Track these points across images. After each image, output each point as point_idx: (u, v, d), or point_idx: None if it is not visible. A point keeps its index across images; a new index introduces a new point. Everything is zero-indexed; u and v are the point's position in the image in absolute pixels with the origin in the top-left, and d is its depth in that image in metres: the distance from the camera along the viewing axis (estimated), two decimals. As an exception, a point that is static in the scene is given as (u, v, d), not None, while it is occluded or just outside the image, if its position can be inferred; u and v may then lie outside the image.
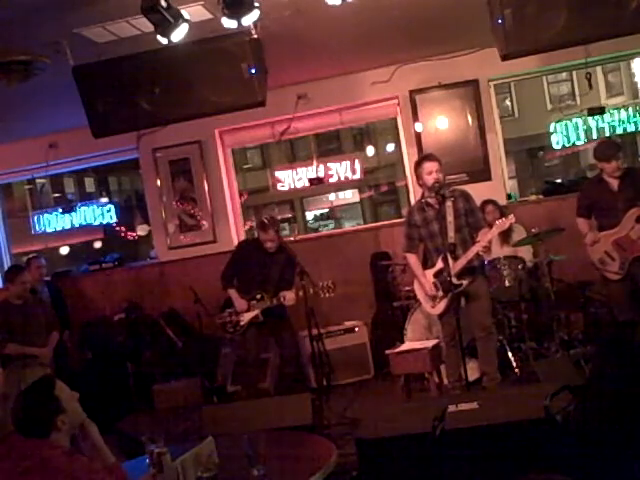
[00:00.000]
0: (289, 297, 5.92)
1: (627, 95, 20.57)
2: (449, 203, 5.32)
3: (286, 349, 6.17)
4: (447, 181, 5.67)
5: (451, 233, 5.29)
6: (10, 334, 5.98)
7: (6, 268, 7.41)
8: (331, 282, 5.80)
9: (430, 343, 5.60)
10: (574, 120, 9.04)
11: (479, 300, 5.40)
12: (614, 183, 5.55)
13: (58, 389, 2.70)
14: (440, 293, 5.40)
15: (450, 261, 5.18)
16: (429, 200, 5.38)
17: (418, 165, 5.46)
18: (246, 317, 6.04)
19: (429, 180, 5.35)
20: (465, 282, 5.24)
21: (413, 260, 5.61)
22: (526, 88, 19.92)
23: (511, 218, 5.28)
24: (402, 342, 6.00)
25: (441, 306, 5.43)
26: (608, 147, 5.77)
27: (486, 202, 6.62)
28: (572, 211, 7.03)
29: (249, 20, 4.35)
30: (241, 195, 9.07)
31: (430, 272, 5.48)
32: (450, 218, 5.30)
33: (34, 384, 2.78)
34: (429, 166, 5.36)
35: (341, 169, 7.77)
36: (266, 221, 6.08)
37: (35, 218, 8.60)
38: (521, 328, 6.13)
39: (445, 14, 5.64)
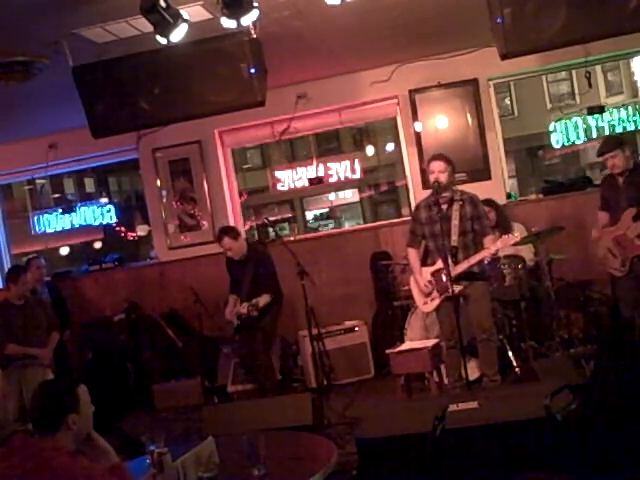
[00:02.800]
0: (226, 312, 6.26)
1: (627, 94, 20.56)
2: (456, 206, 5.34)
3: (256, 360, 6.26)
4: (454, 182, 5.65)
5: (454, 236, 5.31)
6: (10, 334, 5.99)
7: (6, 269, 7.42)
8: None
9: (430, 342, 5.60)
10: (574, 119, 9.06)
11: (478, 302, 5.41)
12: (620, 179, 5.53)
13: (81, 390, 2.72)
14: (434, 293, 5.44)
15: (450, 264, 5.19)
16: (435, 199, 5.38)
17: (427, 164, 5.56)
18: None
19: (430, 180, 5.40)
20: (460, 287, 5.25)
21: (412, 255, 5.65)
22: (526, 87, 19.92)
23: (517, 236, 5.30)
24: (402, 342, 6.01)
25: (433, 305, 5.49)
26: (604, 143, 5.76)
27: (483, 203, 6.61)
28: (572, 210, 7.06)
29: (248, 20, 4.34)
30: (241, 195, 9.07)
31: (428, 270, 5.51)
32: (455, 221, 5.32)
33: (59, 377, 2.80)
34: (431, 165, 5.43)
35: (341, 169, 7.76)
36: (218, 232, 6.30)
37: (35, 219, 8.59)
38: (521, 327, 6.13)
39: (444, 13, 5.64)
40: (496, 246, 5.24)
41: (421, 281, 5.51)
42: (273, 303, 6.21)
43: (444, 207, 5.35)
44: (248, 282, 6.18)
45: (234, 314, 6.22)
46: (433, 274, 5.47)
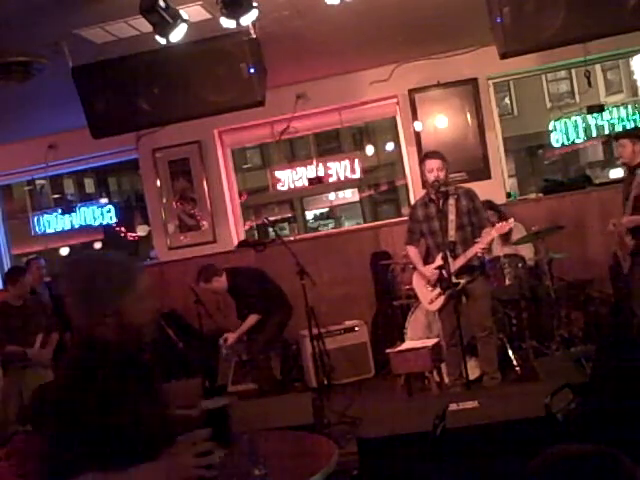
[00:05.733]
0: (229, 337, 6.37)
1: (626, 93, 20.55)
2: (452, 201, 5.35)
3: (254, 362, 6.42)
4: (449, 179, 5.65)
5: (452, 231, 5.31)
6: (10, 335, 5.99)
7: (6, 270, 7.41)
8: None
9: (430, 342, 5.60)
10: (573, 118, 9.04)
11: (479, 300, 5.42)
12: (632, 176, 5.51)
13: None
14: (438, 290, 5.44)
15: (449, 259, 5.20)
16: (432, 197, 5.39)
17: (421, 162, 5.55)
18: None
19: (429, 177, 5.41)
20: (463, 281, 5.27)
21: (413, 252, 5.66)
22: (525, 86, 19.90)
23: (510, 222, 5.31)
24: (402, 341, 6.01)
25: (438, 303, 5.49)
26: (624, 129, 5.76)
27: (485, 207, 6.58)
28: (572, 209, 7.06)
29: (248, 20, 4.35)
30: (241, 195, 9.07)
31: (430, 268, 5.51)
32: (452, 216, 5.32)
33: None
34: (429, 163, 5.42)
35: (341, 168, 7.75)
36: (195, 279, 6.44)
37: (35, 219, 8.59)
38: (521, 326, 6.13)
39: (444, 13, 5.64)
40: (490, 235, 5.25)
41: (427, 272, 5.49)
42: (269, 319, 6.30)
43: (440, 203, 5.36)
44: (240, 310, 6.46)
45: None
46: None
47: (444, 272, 5.31)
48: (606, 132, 9.11)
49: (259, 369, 6.30)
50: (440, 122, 7.38)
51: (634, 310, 5.59)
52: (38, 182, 11.37)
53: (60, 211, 8.69)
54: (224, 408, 2.22)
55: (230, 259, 7.40)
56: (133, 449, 1.90)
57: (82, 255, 2.36)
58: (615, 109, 9.24)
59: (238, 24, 4.34)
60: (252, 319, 6.26)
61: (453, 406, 3.84)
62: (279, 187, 7.94)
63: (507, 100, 21.81)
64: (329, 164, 7.82)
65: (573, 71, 17.48)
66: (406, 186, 8.10)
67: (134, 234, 14.96)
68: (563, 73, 19.81)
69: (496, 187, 7.23)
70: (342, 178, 7.84)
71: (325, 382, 6.23)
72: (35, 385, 5.05)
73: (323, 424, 4.98)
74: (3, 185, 9.30)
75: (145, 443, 1.93)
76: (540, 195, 7.76)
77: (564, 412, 3.29)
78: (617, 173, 14.66)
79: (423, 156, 5.65)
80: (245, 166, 21.23)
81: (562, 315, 6.24)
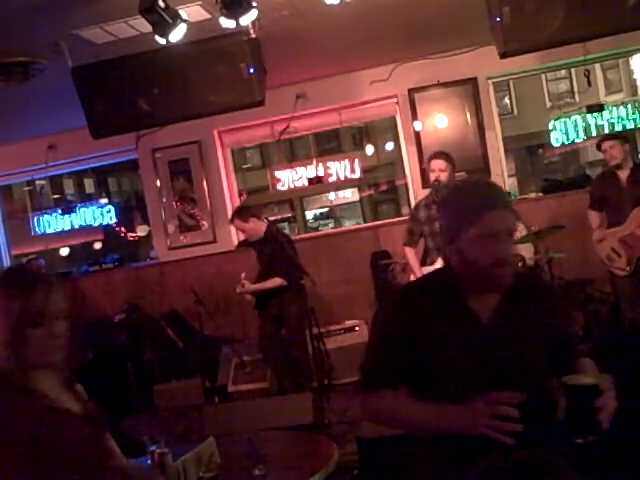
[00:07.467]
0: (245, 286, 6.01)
1: (626, 92, 20.55)
2: None
3: (291, 353, 6.18)
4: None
5: None
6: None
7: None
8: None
9: (430, 341, 5.59)
10: (573, 117, 9.04)
11: None
12: (623, 177, 5.52)
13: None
14: None
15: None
16: (435, 198, 5.38)
17: (428, 162, 5.55)
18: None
19: (430, 178, 5.39)
20: None
21: (411, 254, 5.64)
22: (525, 86, 19.91)
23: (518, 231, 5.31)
24: (403, 341, 5.99)
25: None
26: (602, 136, 5.82)
27: None
28: (572, 208, 7.05)
29: (247, 20, 4.35)
30: (241, 195, 9.07)
31: (428, 269, 5.50)
32: None
33: None
34: (432, 164, 5.41)
35: (340, 168, 7.75)
36: (232, 213, 6.24)
37: (35, 219, 8.59)
38: (521, 326, 6.12)
39: (443, 12, 5.64)
40: None
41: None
42: (289, 290, 6.02)
43: None
44: (263, 264, 6.09)
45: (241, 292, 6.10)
46: (433, 273, 5.46)
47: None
48: (606, 131, 9.11)
49: (298, 361, 6.04)
50: (440, 122, 7.38)
51: (625, 311, 5.63)
52: (38, 182, 11.38)
53: (60, 211, 8.69)
54: (589, 388, 1.91)
55: (230, 259, 7.41)
56: (437, 383, 2.08)
57: (455, 182, 2.57)
58: (615, 108, 9.25)
59: (238, 24, 4.34)
60: (274, 282, 5.95)
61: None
62: (279, 187, 7.94)
63: (507, 100, 21.81)
64: (329, 164, 7.82)
65: (573, 70, 17.48)
66: (406, 186, 8.10)
67: (134, 234, 14.94)
68: (563, 72, 19.81)
69: (496, 187, 7.22)
70: (342, 178, 7.84)
71: (325, 382, 6.23)
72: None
73: (323, 424, 4.98)
74: (3, 185, 9.30)
75: (453, 382, 2.06)
76: (540, 195, 7.76)
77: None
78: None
79: (429, 156, 5.65)
80: (245, 166, 21.23)
81: (562, 314, 6.24)
